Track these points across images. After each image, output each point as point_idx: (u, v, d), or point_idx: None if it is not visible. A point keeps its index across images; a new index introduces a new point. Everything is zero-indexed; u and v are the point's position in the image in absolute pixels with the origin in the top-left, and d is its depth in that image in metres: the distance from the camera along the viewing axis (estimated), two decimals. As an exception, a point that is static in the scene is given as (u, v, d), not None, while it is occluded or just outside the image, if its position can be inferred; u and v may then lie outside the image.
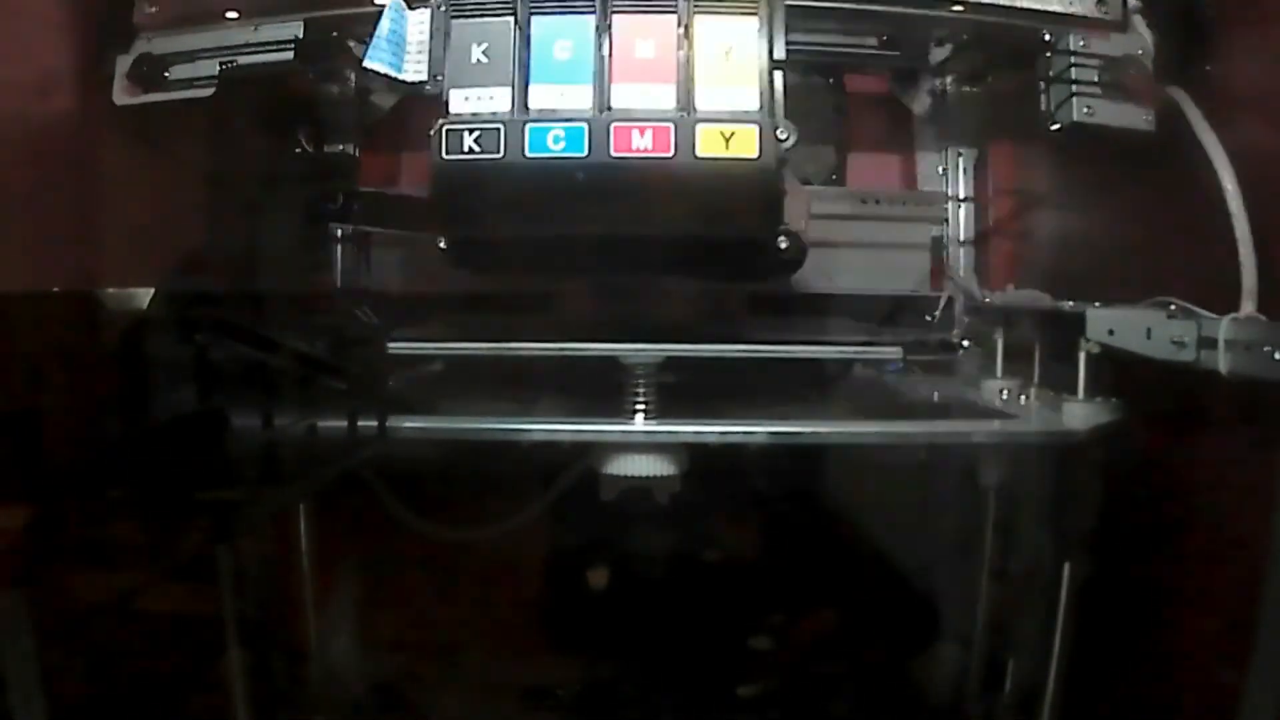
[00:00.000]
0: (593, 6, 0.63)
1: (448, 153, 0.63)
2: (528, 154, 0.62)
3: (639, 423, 0.79)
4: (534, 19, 0.63)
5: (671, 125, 0.62)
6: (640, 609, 1.16)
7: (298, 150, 1.11)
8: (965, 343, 0.90)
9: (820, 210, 0.94)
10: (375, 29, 0.67)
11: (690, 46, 0.63)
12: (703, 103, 0.63)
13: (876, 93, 1.22)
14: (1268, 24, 0.78)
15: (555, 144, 0.62)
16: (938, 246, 1.24)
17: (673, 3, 0.63)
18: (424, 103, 1.18)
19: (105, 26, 0.88)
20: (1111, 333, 0.79)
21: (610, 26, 0.63)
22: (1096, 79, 0.81)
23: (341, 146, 1.18)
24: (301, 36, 0.82)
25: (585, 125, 0.62)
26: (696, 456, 0.86)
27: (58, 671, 0.69)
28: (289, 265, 1.07)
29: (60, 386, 0.59)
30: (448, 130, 0.63)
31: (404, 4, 0.66)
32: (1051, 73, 0.83)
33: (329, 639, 1.14)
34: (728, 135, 0.62)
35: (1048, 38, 0.83)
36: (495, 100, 0.63)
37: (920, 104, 1.16)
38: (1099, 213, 1.04)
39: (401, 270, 1.19)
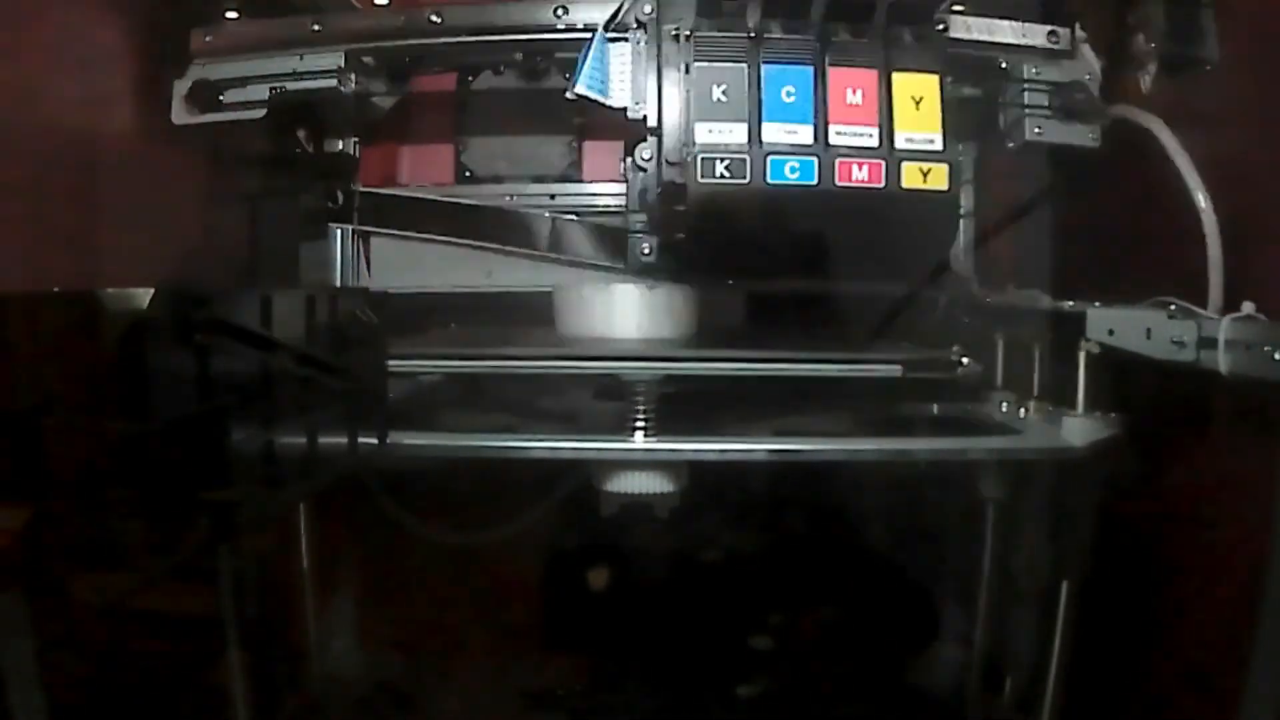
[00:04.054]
0: (812, 59, 0.75)
1: (702, 177, 0.75)
2: (768, 181, 0.75)
3: (639, 440, 0.80)
4: (764, 67, 0.75)
5: (883, 162, 0.75)
6: (640, 610, 1.17)
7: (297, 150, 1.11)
8: (964, 360, 0.90)
9: None
10: (580, 60, 0.78)
11: (889, 96, 0.75)
12: (900, 143, 0.75)
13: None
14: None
15: (791, 173, 0.75)
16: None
17: (876, 59, 0.75)
18: (423, 104, 1.19)
19: (162, 52, 0.97)
20: (1111, 333, 0.79)
21: (826, 76, 0.75)
22: (1046, 103, 0.92)
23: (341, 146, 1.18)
24: (343, 65, 0.95)
25: (815, 159, 0.75)
26: (696, 470, 0.86)
27: (58, 671, 0.70)
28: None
29: (60, 386, 0.59)
30: (702, 158, 0.75)
31: (605, 39, 0.79)
32: (1006, 97, 0.94)
33: (329, 639, 1.15)
34: (925, 171, 0.75)
35: (1004, 66, 0.93)
36: (734, 134, 0.75)
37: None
38: (1095, 212, 1.05)
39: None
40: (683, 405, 0.84)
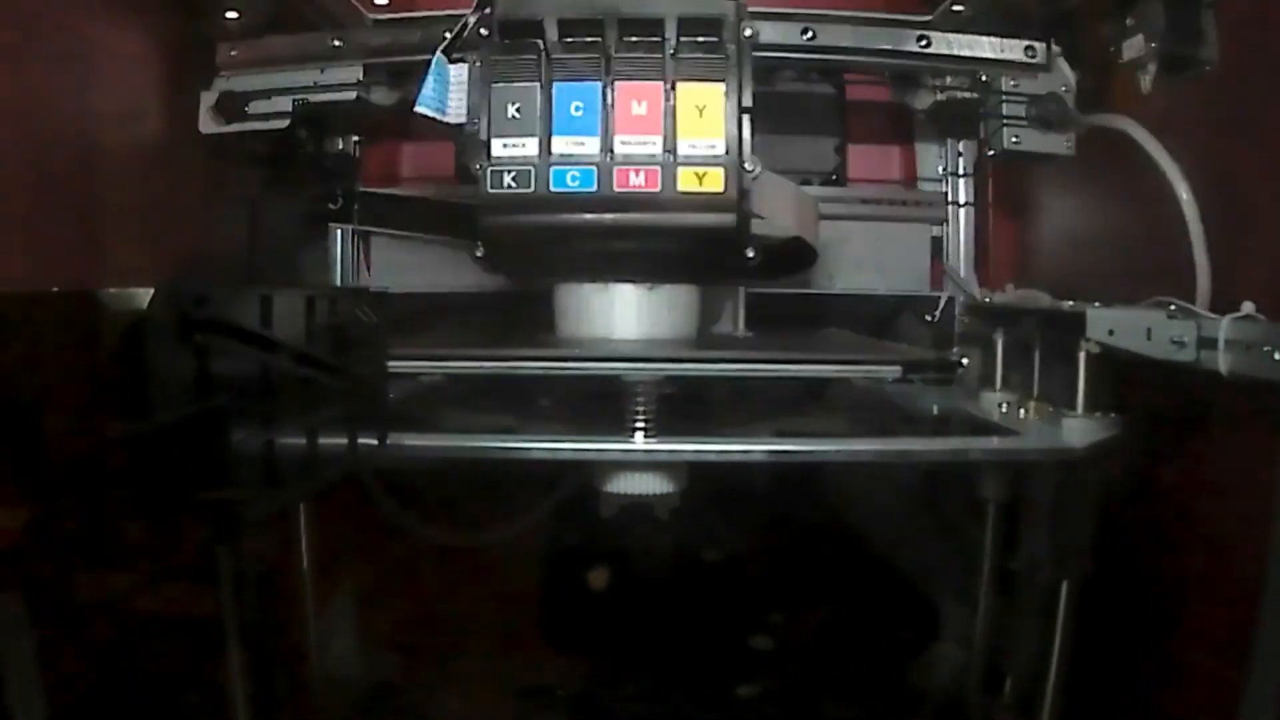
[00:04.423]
0: (599, 75, 0.79)
1: (492, 187, 0.79)
2: (551, 189, 0.79)
3: (639, 441, 0.80)
4: (555, 84, 0.79)
5: (659, 167, 0.79)
6: (640, 610, 1.17)
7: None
8: (964, 360, 0.90)
9: (820, 211, 0.99)
10: (421, 80, 0.83)
11: (674, 106, 0.79)
12: (684, 149, 0.79)
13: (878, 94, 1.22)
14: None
15: (572, 181, 0.79)
16: (938, 246, 1.24)
17: (660, 72, 0.79)
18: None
19: (189, 65, 1.03)
20: (1111, 333, 0.79)
21: (613, 90, 0.79)
22: (1023, 113, 0.98)
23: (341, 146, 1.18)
24: (361, 79, 1.02)
25: (595, 167, 0.79)
26: (696, 471, 0.86)
27: (58, 672, 0.70)
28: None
29: (60, 386, 0.59)
30: (492, 170, 0.79)
31: (445, 60, 0.83)
32: (986, 108, 1.01)
33: (329, 639, 1.15)
34: (701, 175, 0.79)
35: (984, 79, 1.01)
36: (527, 147, 0.79)
37: (921, 102, 1.16)
38: (1094, 212, 1.05)
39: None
40: (683, 406, 0.84)
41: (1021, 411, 0.89)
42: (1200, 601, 0.84)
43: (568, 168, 0.79)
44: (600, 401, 0.83)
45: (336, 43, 1.01)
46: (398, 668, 1.16)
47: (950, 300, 1.20)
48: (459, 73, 0.83)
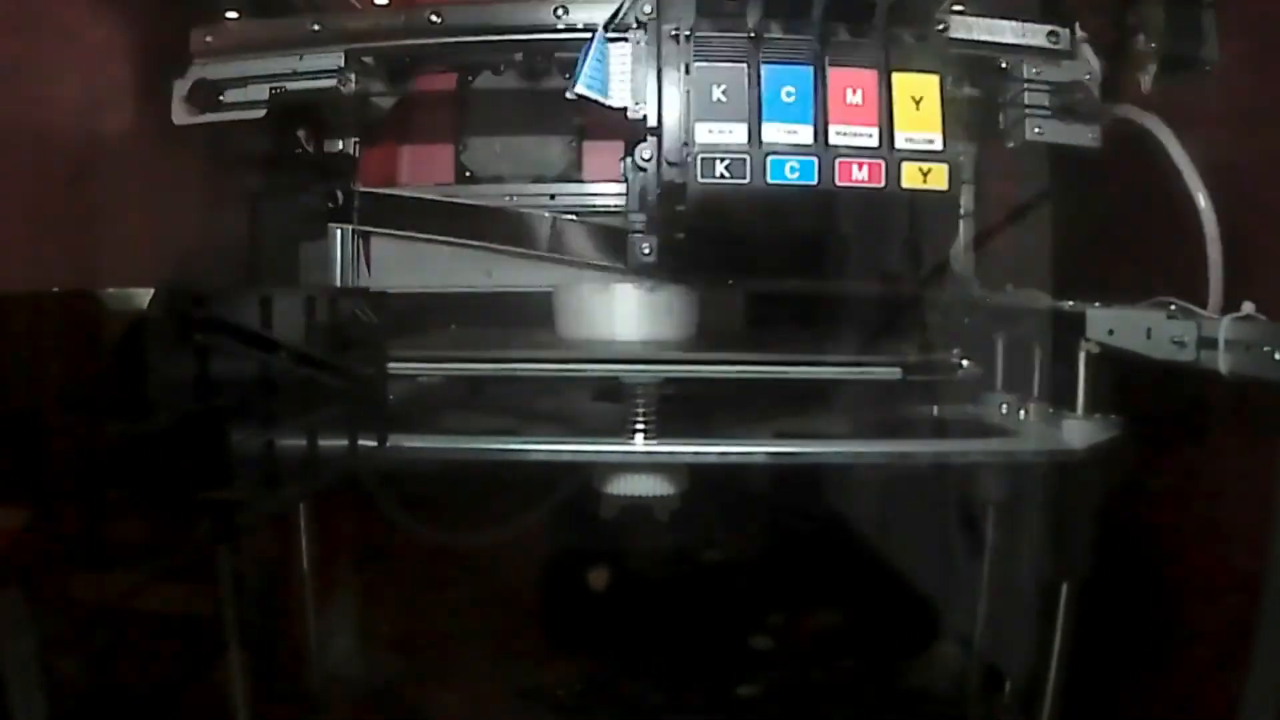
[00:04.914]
0: (812, 59, 0.75)
1: (702, 177, 0.74)
2: (769, 180, 0.74)
3: (639, 443, 0.80)
4: (764, 67, 0.74)
5: (883, 161, 0.74)
6: (641, 611, 1.17)
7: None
8: (964, 362, 0.90)
9: None
10: (580, 60, 0.78)
11: (889, 96, 0.75)
12: (900, 143, 0.75)
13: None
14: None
15: (791, 173, 0.74)
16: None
17: (876, 59, 0.75)
18: (423, 104, 1.19)
19: (161, 52, 0.98)
20: (1111, 333, 0.79)
21: (826, 76, 0.74)
22: (1046, 103, 0.91)
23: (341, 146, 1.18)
24: (343, 65, 0.94)
25: (815, 159, 0.74)
26: (696, 472, 0.86)
27: (57, 671, 0.70)
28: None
29: (60, 386, 0.59)
30: (702, 159, 0.74)
31: (606, 39, 0.79)
32: (1006, 97, 0.94)
33: (329, 639, 1.15)
34: (925, 171, 0.75)
35: (1004, 66, 0.93)
36: (734, 134, 0.74)
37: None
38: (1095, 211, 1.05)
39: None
40: (682, 407, 0.84)
41: (1021, 412, 0.89)
42: (1200, 602, 0.84)
43: (786, 158, 0.74)
44: (600, 403, 0.83)
45: (316, 27, 0.95)
46: (398, 668, 1.16)
47: (950, 300, 1.20)
48: (621, 53, 0.79)
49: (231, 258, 1.13)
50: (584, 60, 0.78)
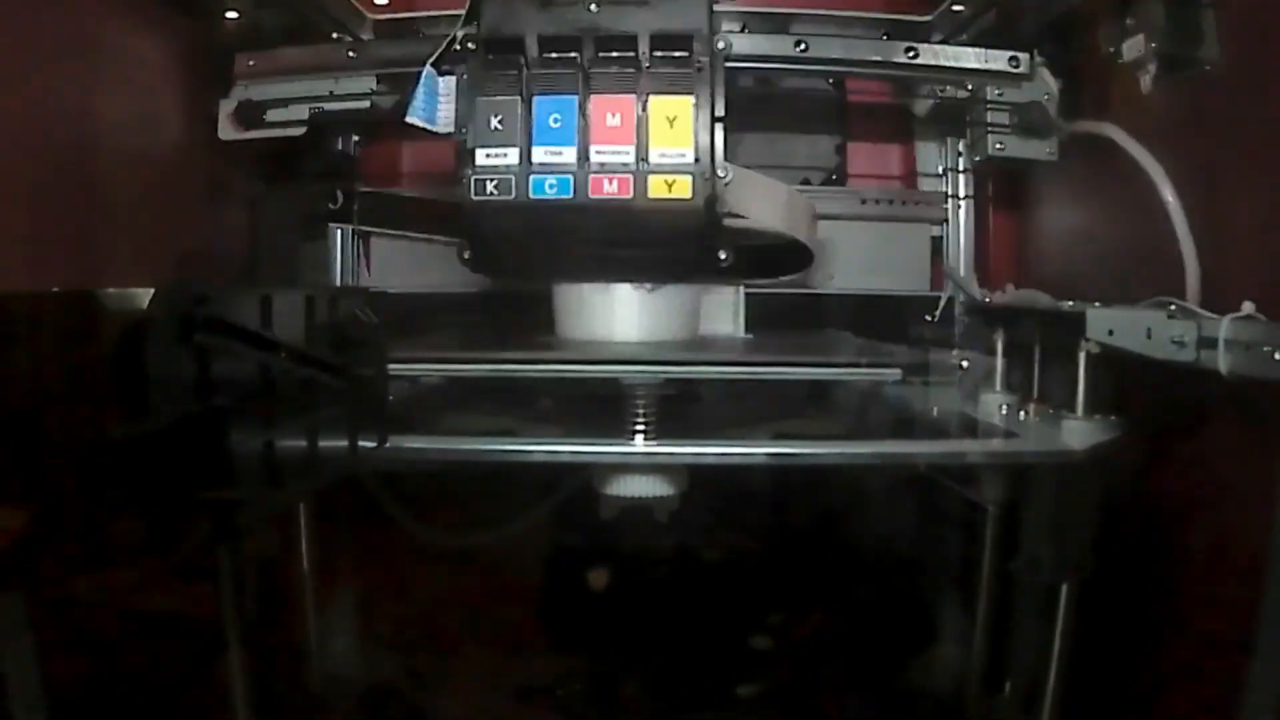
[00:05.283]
0: (576, 89, 0.83)
1: (475, 194, 0.83)
2: (530, 196, 0.83)
3: (639, 444, 0.80)
4: (535, 98, 0.84)
5: (631, 175, 0.83)
6: (640, 611, 1.17)
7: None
8: (964, 363, 0.90)
9: (820, 211, 1.00)
10: (411, 91, 0.88)
11: (646, 118, 0.83)
12: (655, 158, 0.83)
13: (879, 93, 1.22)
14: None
15: (550, 189, 0.83)
16: (938, 246, 1.24)
17: (634, 86, 0.83)
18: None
19: (208, 74, 1.08)
20: (1111, 333, 0.78)
21: (589, 104, 0.83)
22: (1007, 121, 1.03)
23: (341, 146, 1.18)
24: (375, 88, 1.07)
25: (571, 176, 0.83)
26: (696, 473, 0.86)
27: (57, 671, 0.70)
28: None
29: (60, 386, 0.59)
30: (475, 179, 0.83)
31: (434, 73, 0.89)
32: (972, 116, 1.08)
33: (329, 638, 1.15)
34: (670, 182, 0.83)
35: (970, 88, 1.06)
36: (508, 157, 0.83)
37: (920, 107, 1.16)
38: (1093, 212, 1.06)
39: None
40: (682, 408, 0.84)
41: (1022, 413, 0.89)
42: (1200, 602, 0.84)
43: (546, 176, 0.83)
44: (600, 404, 0.83)
45: (351, 54, 1.06)
46: (398, 668, 1.16)
47: (950, 300, 1.20)
48: (448, 85, 0.88)
49: (231, 258, 1.14)
50: (413, 92, 0.89)
